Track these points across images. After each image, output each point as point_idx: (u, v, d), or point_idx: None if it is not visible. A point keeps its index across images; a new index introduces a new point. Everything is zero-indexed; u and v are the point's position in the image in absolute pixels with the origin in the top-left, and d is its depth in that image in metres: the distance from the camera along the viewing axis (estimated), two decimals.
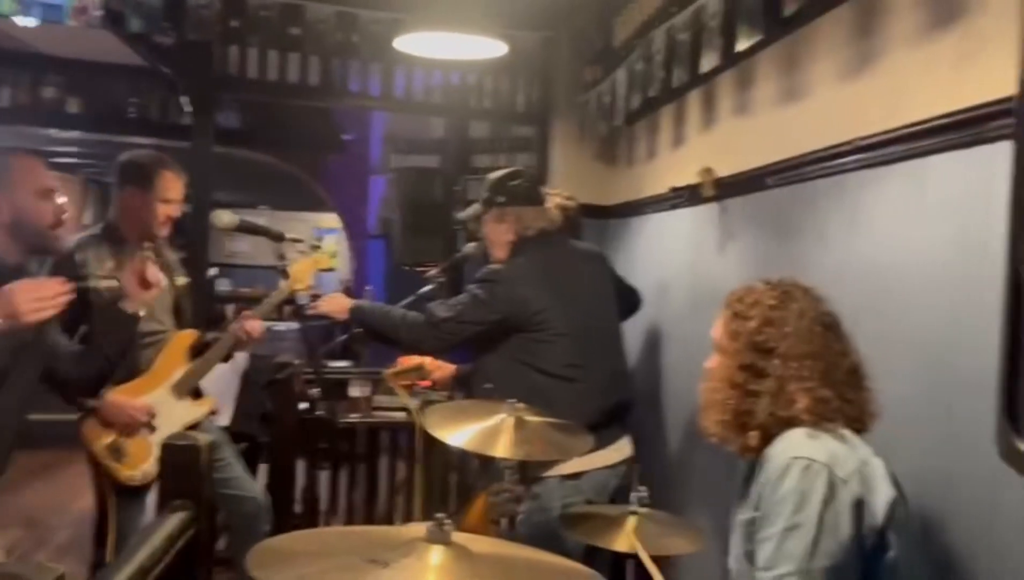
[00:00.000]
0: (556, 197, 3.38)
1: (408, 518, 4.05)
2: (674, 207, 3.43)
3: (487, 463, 3.04)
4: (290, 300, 3.41)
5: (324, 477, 4.09)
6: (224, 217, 3.28)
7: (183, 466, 1.90)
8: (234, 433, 3.64)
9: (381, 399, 4.14)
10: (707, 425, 1.86)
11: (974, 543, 1.73)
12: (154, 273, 2.66)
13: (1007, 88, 1.59)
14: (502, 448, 2.31)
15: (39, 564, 1.19)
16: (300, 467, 3.97)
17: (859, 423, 1.76)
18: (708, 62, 2.57)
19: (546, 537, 2.60)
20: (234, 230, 3.10)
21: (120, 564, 1.58)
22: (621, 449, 2.95)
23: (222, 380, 3.58)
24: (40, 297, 2.14)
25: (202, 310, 3.97)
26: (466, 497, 3.93)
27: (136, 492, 3.03)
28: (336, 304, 3.26)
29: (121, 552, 1.85)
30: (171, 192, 3.17)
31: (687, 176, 3.17)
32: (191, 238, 4.30)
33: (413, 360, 3.40)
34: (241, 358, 3.72)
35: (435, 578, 1.38)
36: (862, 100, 2.20)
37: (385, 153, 7.74)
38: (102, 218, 3.34)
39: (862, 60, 2.21)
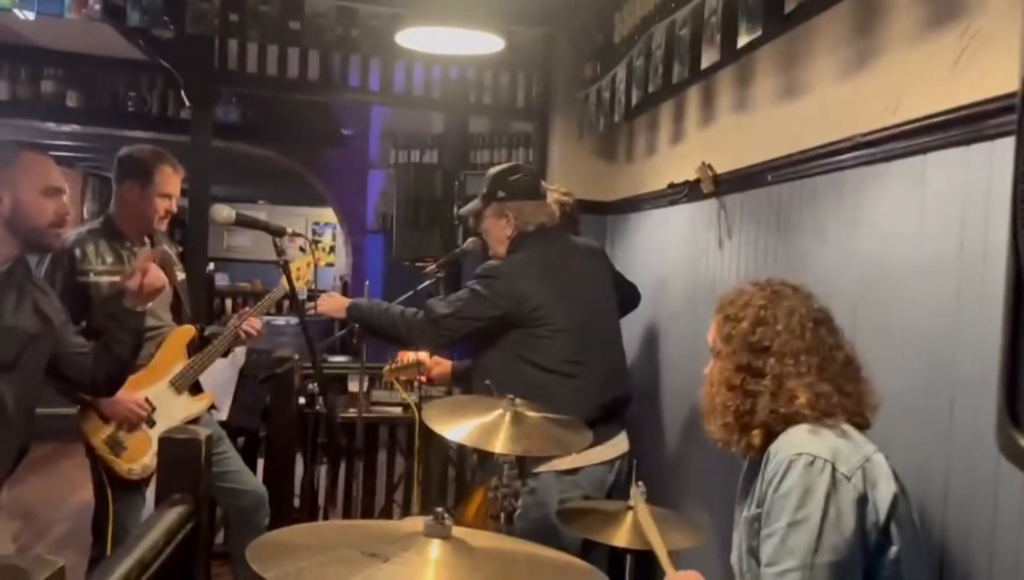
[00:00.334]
0: (554, 193, 3.37)
1: (406, 512, 4.05)
2: (673, 203, 3.43)
3: (486, 458, 3.05)
4: (289, 296, 3.41)
5: (323, 471, 4.10)
6: (223, 212, 3.27)
7: (182, 460, 1.89)
8: (233, 427, 3.64)
9: (380, 394, 4.15)
10: (710, 430, 1.87)
11: (974, 538, 1.74)
12: (158, 275, 2.64)
13: (1007, 85, 1.60)
14: (500, 443, 2.31)
15: (39, 557, 1.18)
16: (299, 462, 3.98)
17: (860, 417, 1.76)
18: (708, 58, 2.57)
19: (543, 532, 2.61)
20: (233, 225, 3.10)
21: (119, 557, 1.58)
22: (618, 445, 2.95)
23: (221, 374, 3.57)
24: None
25: (201, 305, 3.98)
26: (464, 492, 3.94)
27: (135, 486, 3.04)
28: (333, 304, 3.26)
29: (120, 546, 1.85)
30: (170, 187, 3.17)
31: (686, 172, 3.17)
32: (190, 233, 4.30)
33: (412, 356, 3.40)
34: (240, 353, 3.72)
35: (434, 572, 1.38)
36: (862, 97, 2.20)
37: (384, 148, 7.75)
38: (103, 212, 3.34)
39: (862, 57, 2.21)
